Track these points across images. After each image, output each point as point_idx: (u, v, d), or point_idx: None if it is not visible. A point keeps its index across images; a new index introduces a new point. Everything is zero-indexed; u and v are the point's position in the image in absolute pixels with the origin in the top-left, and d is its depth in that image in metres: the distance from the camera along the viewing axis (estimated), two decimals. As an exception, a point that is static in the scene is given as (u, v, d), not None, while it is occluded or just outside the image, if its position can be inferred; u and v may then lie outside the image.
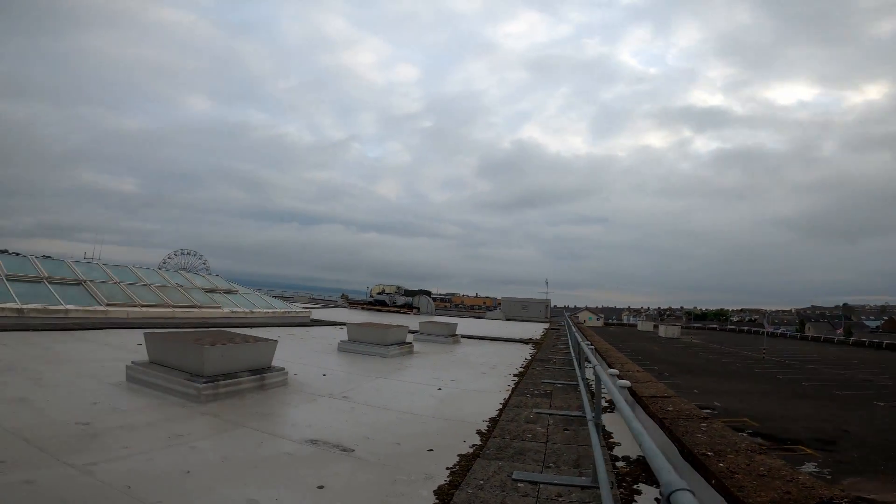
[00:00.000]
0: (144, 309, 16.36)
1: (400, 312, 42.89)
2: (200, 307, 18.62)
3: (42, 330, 11.43)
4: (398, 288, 49.32)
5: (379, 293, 49.44)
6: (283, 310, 23.14)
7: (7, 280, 14.22)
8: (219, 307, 19.41)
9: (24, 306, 13.11)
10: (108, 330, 12.56)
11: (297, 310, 25.21)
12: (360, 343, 12.22)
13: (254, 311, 20.99)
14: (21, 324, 12.15)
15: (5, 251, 26.58)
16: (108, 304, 15.36)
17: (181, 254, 57.59)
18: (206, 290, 20.91)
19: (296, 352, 11.05)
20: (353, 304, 50.77)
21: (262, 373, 7.07)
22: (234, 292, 22.50)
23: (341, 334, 15.10)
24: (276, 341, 7.77)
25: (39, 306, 13.47)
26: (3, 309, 12.60)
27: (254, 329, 13.85)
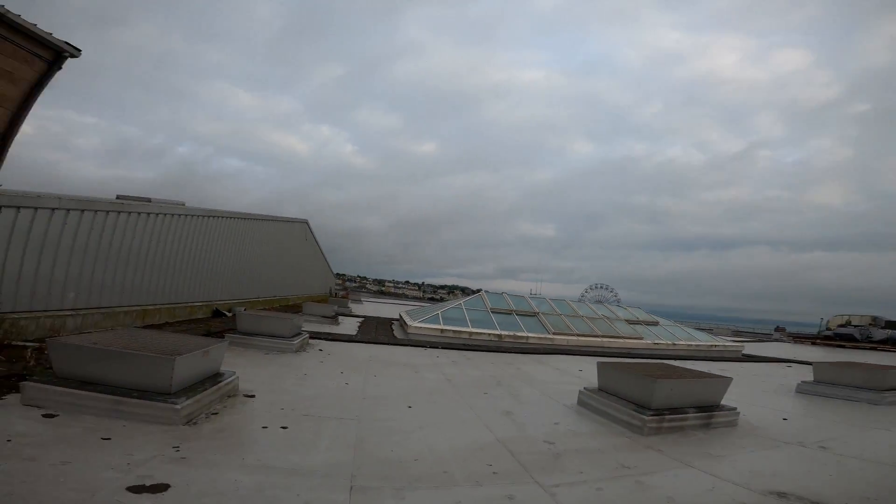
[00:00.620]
0: (579, 338, 18.42)
1: (876, 349, 31.14)
2: (624, 337, 19.33)
3: (512, 352, 14.66)
4: (874, 319, 36.25)
5: (841, 325, 37.84)
6: (707, 343, 21.04)
7: (491, 312, 19.27)
8: (641, 338, 19.59)
9: (502, 333, 17.28)
10: (554, 355, 14.79)
11: (725, 343, 22.36)
12: (835, 386, 9.46)
13: (676, 343, 20.02)
14: (499, 346, 16.04)
15: (479, 290, 35.89)
16: (553, 333, 18.21)
17: (595, 288, 62.99)
18: (629, 322, 21.62)
19: (738, 390, 9.63)
20: (798, 338, 40.74)
21: (709, 411, 6.43)
22: (655, 324, 22.26)
23: (793, 373, 12.21)
24: (730, 379, 7.06)
25: (511, 333, 17.43)
26: (489, 335, 17.04)
27: (677, 362, 13.10)
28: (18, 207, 8.50)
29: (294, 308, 23.29)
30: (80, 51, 8.86)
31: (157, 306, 14.04)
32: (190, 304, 16.46)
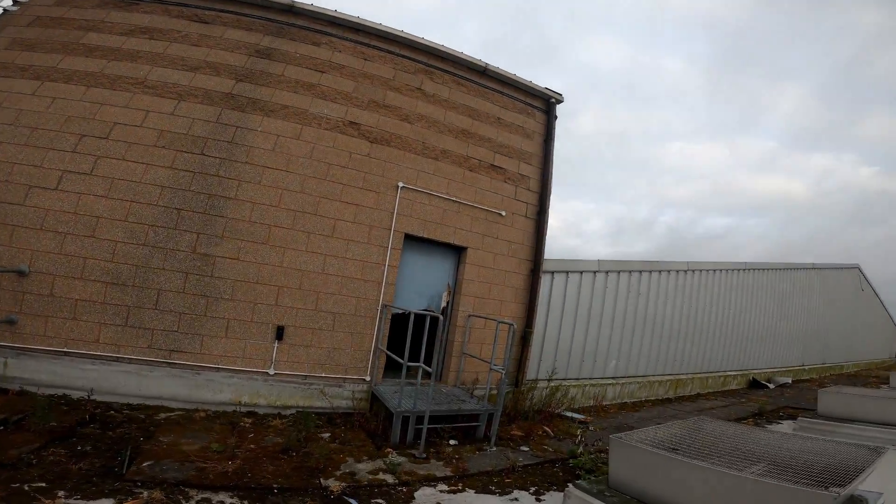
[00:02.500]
0: None
1: None
2: None
3: None
4: None
5: None
6: None
7: None
8: None
9: None
10: None
11: None
12: None
13: None
14: None
15: None
16: None
17: None
18: None
19: None
20: None
21: None
22: None
23: None
24: None
25: None
26: None
27: None
28: (567, 272, 8.23)
29: (848, 378, 16.77)
30: (561, 95, 8.14)
31: (690, 375, 11.59)
32: (723, 374, 13.15)
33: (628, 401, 9.71)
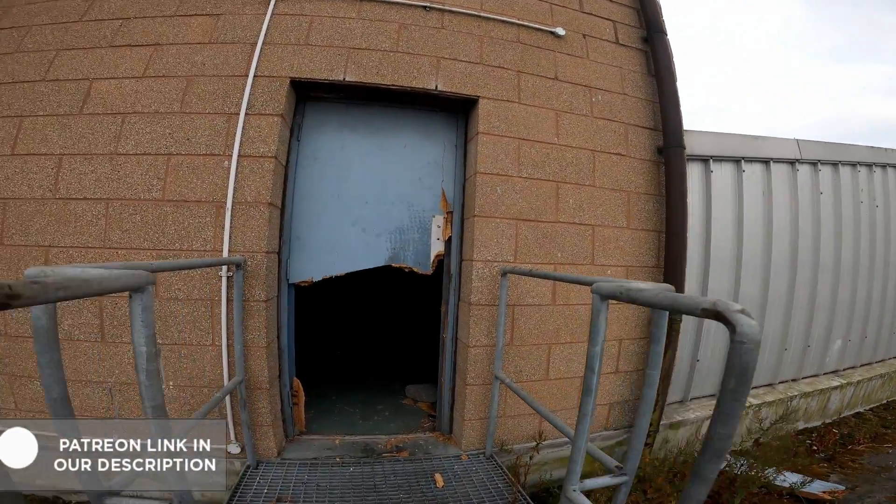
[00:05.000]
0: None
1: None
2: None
3: None
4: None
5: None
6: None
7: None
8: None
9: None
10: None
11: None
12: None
13: None
14: None
15: None
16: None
17: None
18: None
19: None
20: None
21: None
22: None
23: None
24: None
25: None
26: None
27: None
28: (738, 160, 3.50)
29: None
30: None
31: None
32: None
33: (862, 409, 4.74)
